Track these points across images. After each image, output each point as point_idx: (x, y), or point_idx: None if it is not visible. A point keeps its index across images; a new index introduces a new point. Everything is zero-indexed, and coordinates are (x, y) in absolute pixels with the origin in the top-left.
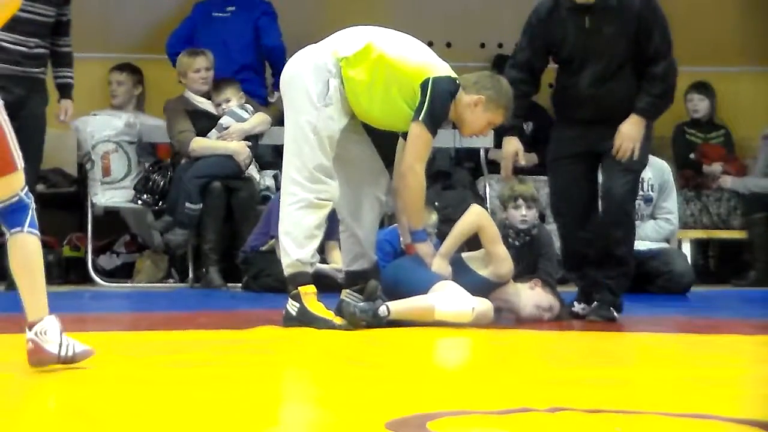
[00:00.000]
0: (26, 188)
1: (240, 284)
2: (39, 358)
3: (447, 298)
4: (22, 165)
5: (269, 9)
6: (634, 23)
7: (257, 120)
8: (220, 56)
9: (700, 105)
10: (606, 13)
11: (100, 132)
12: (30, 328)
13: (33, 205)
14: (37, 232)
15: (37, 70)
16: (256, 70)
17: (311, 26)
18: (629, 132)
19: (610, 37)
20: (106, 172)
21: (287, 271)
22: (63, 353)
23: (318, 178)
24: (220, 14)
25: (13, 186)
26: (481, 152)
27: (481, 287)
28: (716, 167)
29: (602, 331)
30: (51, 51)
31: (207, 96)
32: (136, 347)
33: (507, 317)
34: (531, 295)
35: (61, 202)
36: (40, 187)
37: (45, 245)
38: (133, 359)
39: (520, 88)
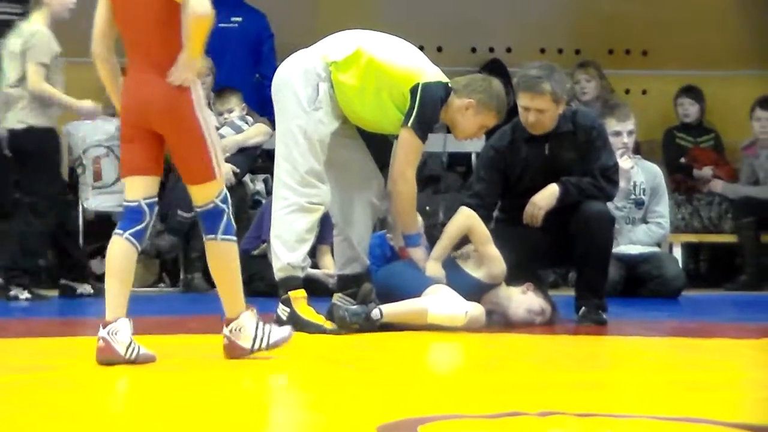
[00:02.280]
0: (223, 193)
1: None
2: (234, 353)
3: (440, 302)
4: (222, 174)
5: (270, 32)
6: (587, 143)
7: (254, 131)
8: (228, 66)
9: (690, 109)
10: (564, 137)
11: (92, 136)
12: (227, 325)
13: (228, 210)
14: (231, 237)
15: None
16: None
17: (302, 31)
18: (539, 201)
19: (569, 161)
20: (98, 176)
21: (278, 275)
22: (256, 346)
23: (309, 182)
24: (227, 25)
25: (210, 194)
26: (473, 156)
27: (473, 289)
28: (707, 171)
29: (593, 334)
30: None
31: (206, 103)
32: None
33: (499, 321)
34: (523, 299)
35: None
36: None
37: None
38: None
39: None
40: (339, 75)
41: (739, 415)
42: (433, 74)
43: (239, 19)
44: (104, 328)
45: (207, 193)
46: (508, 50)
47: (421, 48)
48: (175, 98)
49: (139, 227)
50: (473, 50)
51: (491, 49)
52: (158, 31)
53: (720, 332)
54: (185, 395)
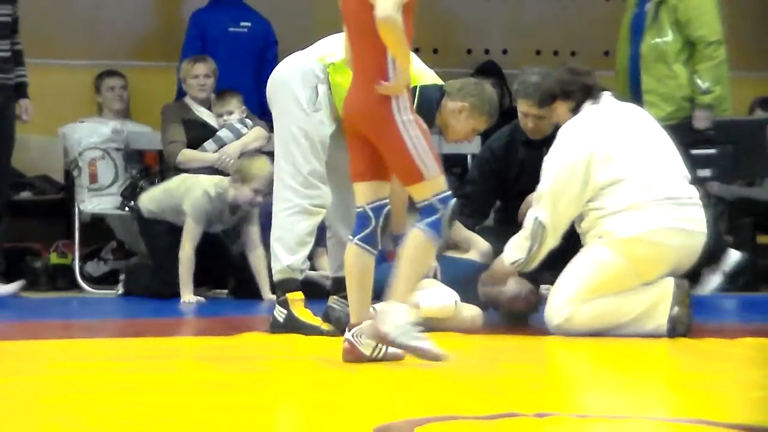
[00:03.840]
0: (443, 194)
1: (225, 290)
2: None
3: (430, 295)
4: (438, 174)
5: (275, 38)
6: None
7: (253, 136)
8: (234, 70)
9: None
10: None
11: (87, 139)
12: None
13: (443, 211)
14: (433, 233)
15: (10, 75)
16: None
17: (298, 32)
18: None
19: None
20: (93, 179)
21: (276, 276)
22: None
23: (312, 183)
24: (237, 29)
25: (424, 193)
26: (468, 158)
27: (472, 270)
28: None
29: (589, 335)
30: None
31: (207, 104)
32: (124, 354)
33: (495, 320)
34: (516, 279)
35: (47, 209)
36: (26, 194)
37: (32, 252)
38: (121, 366)
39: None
40: (337, 77)
41: (735, 415)
42: (429, 77)
43: (248, 24)
44: (349, 330)
45: (421, 192)
46: (504, 52)
47: (417, 50)
48: (372, 105)
49: (367, 231)
50: (468, 52)
51: (486, 51)
52: (363, 39)
53: (716, 332)
54: (183, 396)
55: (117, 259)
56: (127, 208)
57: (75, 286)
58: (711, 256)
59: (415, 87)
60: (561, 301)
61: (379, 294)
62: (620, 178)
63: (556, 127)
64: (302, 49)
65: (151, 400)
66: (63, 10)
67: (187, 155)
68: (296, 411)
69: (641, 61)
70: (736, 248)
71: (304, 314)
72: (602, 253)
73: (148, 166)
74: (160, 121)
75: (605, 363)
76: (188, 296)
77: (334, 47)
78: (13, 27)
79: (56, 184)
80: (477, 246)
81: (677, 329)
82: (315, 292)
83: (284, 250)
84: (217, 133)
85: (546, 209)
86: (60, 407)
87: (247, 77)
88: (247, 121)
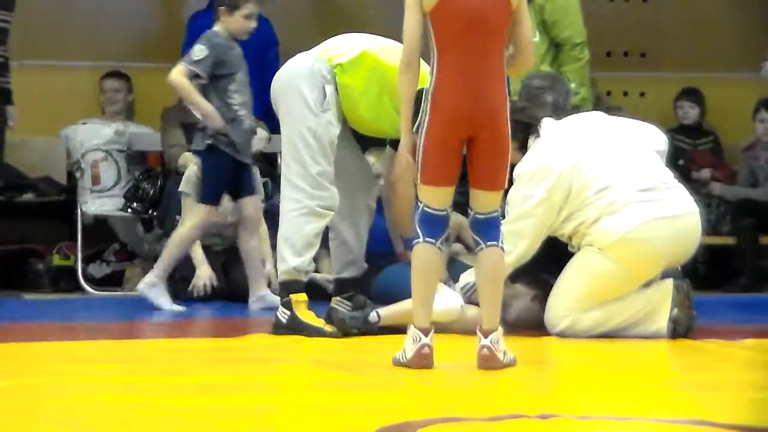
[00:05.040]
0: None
1: None
2: (491, 364)
3: (436, 298)
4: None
5: (276, 38)
6: None
7: (256, 139)
8: None
9: (690, 112)
10: None
11: (90, 140)
12: (485, 336)
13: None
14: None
15: (6, 80)
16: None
17: (299, 32)
18: None
19: None
20: (96, 180)
21: (282, 277)
22: (506, 361)
23: (321, 183)
24: None
25: (497, 202)
26: None
27: None
28: (705, 173)
29: (591, 337)
30: None
31: None
32: (127, 356)
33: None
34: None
35: (50, 211)
36: (28, 196)
37: (34, 254)
38: (124, 368)
39: None
40: (344, 77)
41: (736, 416)
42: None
43: None
44: (426, 336)
45: (495, 201)
46: None
47: None
48: (501, 104)
49: (445, 234)
50: None
51: None
52: (497, 42)
53: (718, 334)
54: (186, 398)
55: (119, 261)
56: (129, 210)
57: (77, 287)
58: None
59: (422, 89)
60: (561, 309)
61: (387, 298)
62: (590, 190)
63: None
64: (303, 49)
65: (154, 401)
66: (65, 12)
67: (188, 158)
68: (299, 412)
69: None
70: (739, 249)
71: (308, 316)
72: (593, 260)
73: (151, 168)
74: (160, 124)
75: (607, 364)
76: (204, 269)
77: (342, 48)
78: (8, 33)
79: (59, 186)
80: None
81: (678, 331)
82: (316, 293)
83: (291, 251)
84: None
85: (506, 245)
86: (62, 409)
87: (249, 74)
88: None
